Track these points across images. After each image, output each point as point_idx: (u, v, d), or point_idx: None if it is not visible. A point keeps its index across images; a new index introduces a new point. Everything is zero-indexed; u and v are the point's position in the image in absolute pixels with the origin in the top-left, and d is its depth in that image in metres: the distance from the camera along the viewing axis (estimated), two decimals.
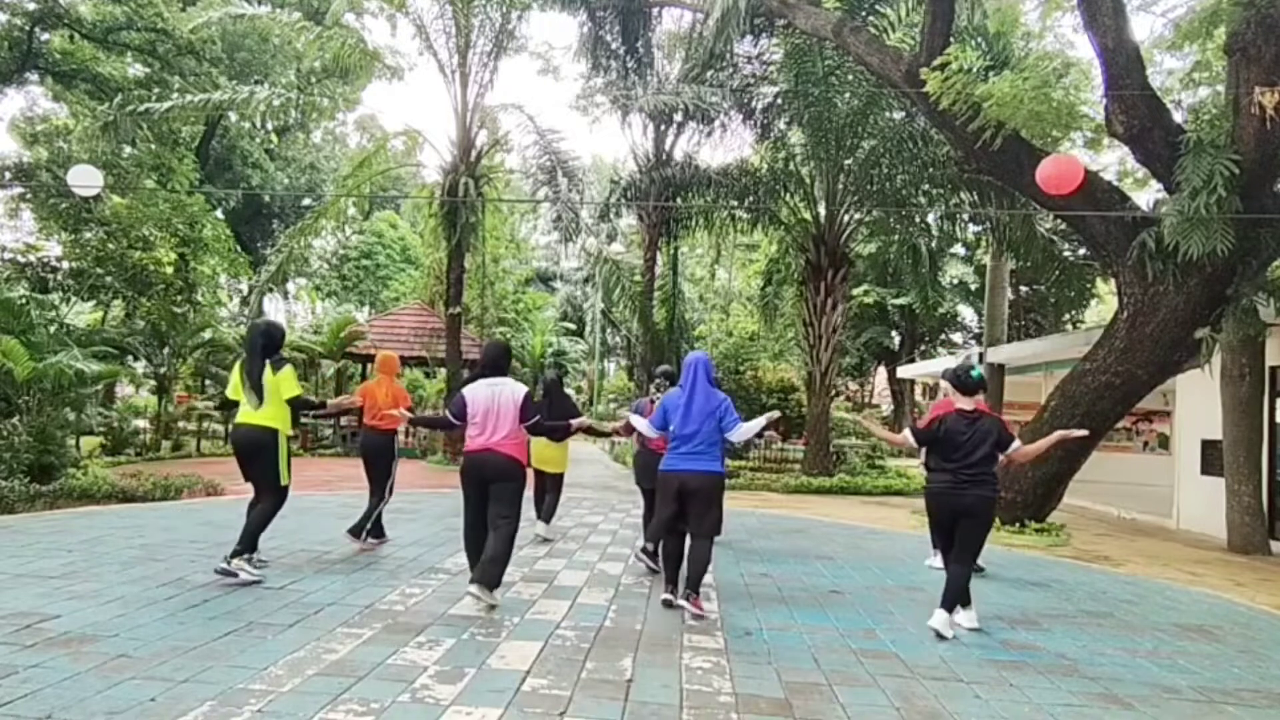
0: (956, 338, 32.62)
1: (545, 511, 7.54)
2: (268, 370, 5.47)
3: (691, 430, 5.11)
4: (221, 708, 3.22)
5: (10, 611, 4.36)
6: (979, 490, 4.92)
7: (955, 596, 4.93)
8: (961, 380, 5.11)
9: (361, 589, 5.24)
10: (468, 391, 5.15)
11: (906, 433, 5.37)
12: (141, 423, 17.48)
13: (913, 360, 27.99)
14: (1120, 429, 15.50)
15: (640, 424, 5.59)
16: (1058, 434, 5.46)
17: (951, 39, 9.81)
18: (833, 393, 17.33)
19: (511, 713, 3.32)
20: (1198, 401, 10.96)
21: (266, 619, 4.44)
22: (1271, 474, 9.79)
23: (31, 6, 19.00)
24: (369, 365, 21.45)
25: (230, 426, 5.67)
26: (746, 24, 13.93)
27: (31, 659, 3.66)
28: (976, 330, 29.03)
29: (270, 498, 5.50)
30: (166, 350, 17.45)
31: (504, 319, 31.03)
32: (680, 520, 5.24)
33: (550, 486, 7.62)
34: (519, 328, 33.09)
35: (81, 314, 17.75)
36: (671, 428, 5.21)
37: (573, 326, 39.30)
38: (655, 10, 20.50)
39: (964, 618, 5.03)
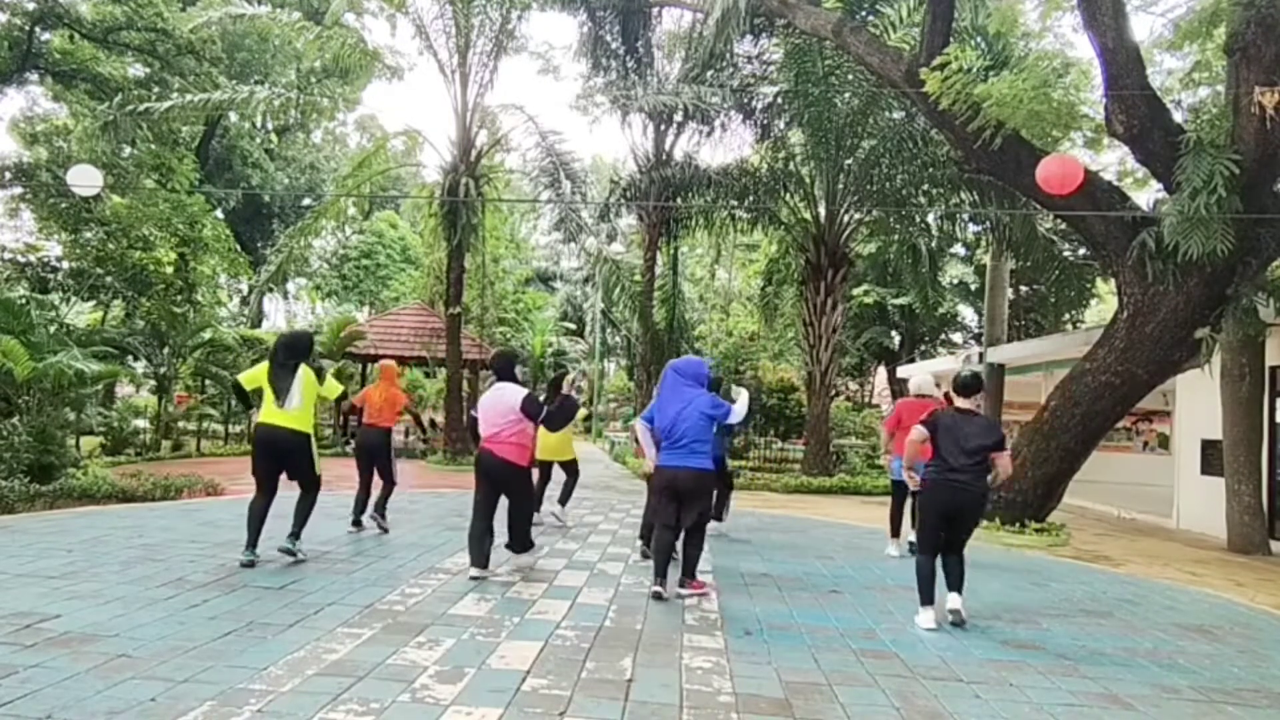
0: (956, 338, 32.56)
1: (562, 494, 8.28)
2: (305, 373, 5.83)
3: (671, 428, 5.41)
4: (221, 708, 3.22)
5: (10, 611, 4.35)
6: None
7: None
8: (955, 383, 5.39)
9: (361, 589, 5.23)
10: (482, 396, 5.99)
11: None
12: (141, 423, 17.46)
13: (913, 360, 27.94)
14: (1120, 429, 15.50)
15: (645, 442, 5.72)
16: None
17: (951, 39, 9.81)
18: (833, 392, 17.33)
19: (511, 713, 3.32)
20: (1198, 401, 10.96)
21: (266, 619, 4.44)
22: (1271, 474, 9.78)
23: (31, 6, 19.00)
24: (369, 366, 21.45)
25: (255, 424, 6.03)
26: (746, 24, 13.93)
27: (31, 659, 3.66)
28: (976, 330, 28.99)
29: (313, 491, 6.08)
30: (166, 350, 17.44)
31: (504, 319, 31.03)
32: (674, 513, 5.48)
33: (568, 472, 8.28)
34: (519, 328, 33.09)
35: (81, 314, 17.73)
36: (656, 426, 5.56)
37: (573, 326, 39.25)
38: (655, 10, 20.48)
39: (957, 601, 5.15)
